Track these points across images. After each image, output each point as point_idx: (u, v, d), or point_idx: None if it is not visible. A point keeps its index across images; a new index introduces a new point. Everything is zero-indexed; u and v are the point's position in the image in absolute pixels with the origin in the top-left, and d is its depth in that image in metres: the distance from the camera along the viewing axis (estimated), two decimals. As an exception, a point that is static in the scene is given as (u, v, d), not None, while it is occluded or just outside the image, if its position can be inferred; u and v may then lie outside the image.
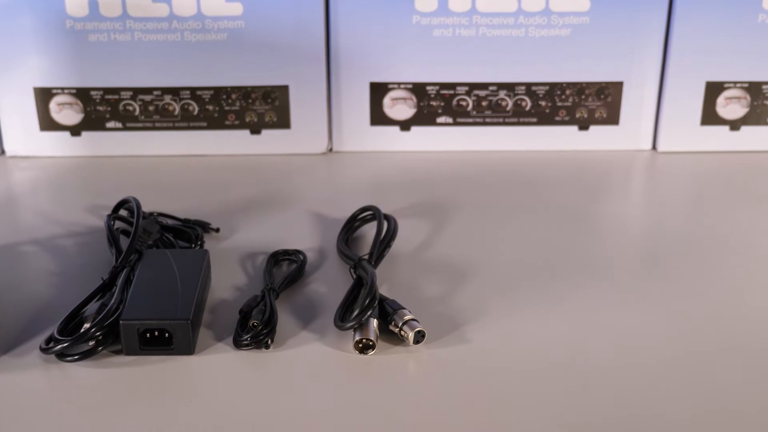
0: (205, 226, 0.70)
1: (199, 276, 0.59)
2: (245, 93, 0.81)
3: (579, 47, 0.80)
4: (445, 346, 0.57)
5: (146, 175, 0.80)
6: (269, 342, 0.56)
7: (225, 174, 0.81)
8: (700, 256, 0.67)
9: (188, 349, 0.55)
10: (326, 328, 0.58)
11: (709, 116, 0.82)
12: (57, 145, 0.83)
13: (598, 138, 0.84)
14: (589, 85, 0.82)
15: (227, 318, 0.59)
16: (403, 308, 0.57)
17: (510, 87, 0.82)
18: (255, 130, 0.83)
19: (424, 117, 0.83)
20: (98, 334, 0.55)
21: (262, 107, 0.82)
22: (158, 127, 0.83)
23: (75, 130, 0.83)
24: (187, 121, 0.82)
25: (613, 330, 0.58)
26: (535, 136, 0.84)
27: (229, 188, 0.78)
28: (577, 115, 0.83)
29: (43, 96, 0.81)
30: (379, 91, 0.82)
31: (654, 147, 0.84)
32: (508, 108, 0.83)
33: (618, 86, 0.82)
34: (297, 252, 0.66)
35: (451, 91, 0.82)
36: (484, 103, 0.82)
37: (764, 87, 0.81)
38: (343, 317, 0.57)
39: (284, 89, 0.81)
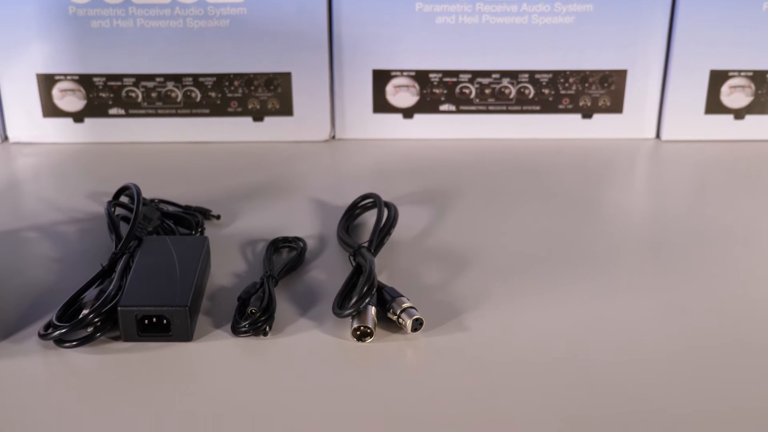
0: (206, 213, 0.70)
1: (198, 263, 0.59)
2: (248, 80, 0.81)
3: (582, 35, 0.80)
4: (443, 334, 0.56)
5: (148, 161, 0.80)
6: (267, 329, 0.56)
7: (227, 161, 0.81)
8: (703, 245, 0.67)
9: (186, 335, 0.55)
10: (325, 316, 0.58)
11: (713, 105, 0.82)
12: (60, 131, 0.83)
13: (602, 126, 0.83)
14: (592, 73, 0.81)
15: (226, 305, 0.59)
16: (402, 296, 0.57)
17: (513, 75, 0.82)
18: (257, 117, 0.83)
19: (427, 105, 0.83)
20: (96, 320, 0.55)
21: (264, 94, 0.82)
22: (161, 114, 0.83)
23: (78, 117, 0.83)
24: (189, 108, 0.82)
25: (615, 320, 0.58)
26: (538, 124, 0.83)
27: (231, 175, 0.78)
28: (581, 104, 0.83)
29: (46, 82, 0.81)
30: (381, 78, 0.82)
31: (658, 136, 0.84)
32: (511, 96, 0.82)
33: (622, 74, 0.81)
34: (297, 239, 0.65)
35: (454, 79, 0.82)
36: (487, 91, 0.82)
37: (769, 76, 0.81)
38: (341, 305, 0.57)
39: (287, 76, 0.81)
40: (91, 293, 0.57)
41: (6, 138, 0.84)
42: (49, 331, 0.55)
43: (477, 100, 0.83)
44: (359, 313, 0.56)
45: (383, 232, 0.65)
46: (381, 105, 0.83)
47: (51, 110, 0.82)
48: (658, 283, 0.62)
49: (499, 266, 0.64)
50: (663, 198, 0.76)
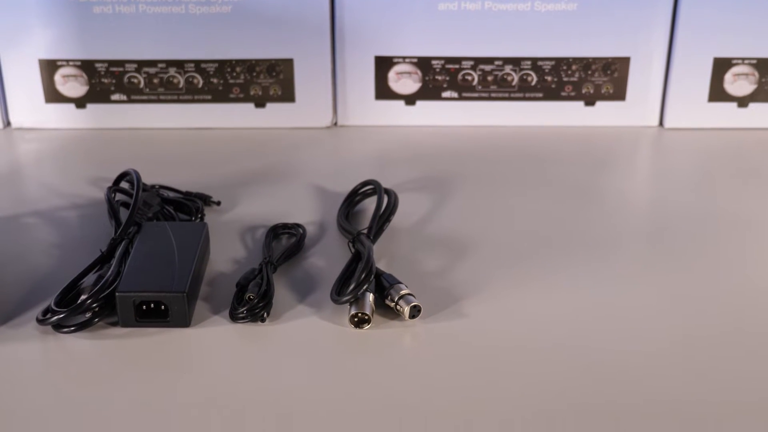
0: (206, 199, 0.70)
1: (196, 249, 0.59)
2: (250, 66, 0.81)
3: (586, 22, 0.80)
4: (441, 320, 0.56)
5: (150, 147, 0.80)
6: (265, 315, 0.56)
7: (229, 147, 0.81)
8: (706, 233, 0.67)
9: (184, 321, 0.55)
10: (323, 302, 0.58)
11: (717, 93, 0.82)
12: (62, 117, 0.83)
13: (605, 114, 0.83)
14: (595, 60, 0.81)
15: (225, 291, 0.59)
16: (400, 282, 0.57)
17: (516, 62, 0.81)
18: (259, 103, 0.83)
19: (429, 91, 0.83)
20: (94, 305, 0.55)
21: (266, 80, 0.82)
22: (163, 100, 0.83)
23: (80, 103, 0.83)
24: (191, 94, 0.82)
25: (615, 308, 0.58)
26: (541, 112, 0.83)
27: (232, 161, 0.78)
28: (584, 91, 0.82)
29: (48, 68, 0.81)
30: (384, 65, 0.82)
31: (661, 123, 0.84)
32: (514, 83, 0.82)
33: (625, 62, 0.81)
34: (297, 226, 0.65)
35: (457, 66, 0.82)
36: (489, 78, 0.82)
37: (773, 63, 0.81)
38: (339, 291, 0.57)
39: (289, 62, 0.81)
40: (90, 279, 0.57)
41: (8, 123, 0.84)
42: (48, 316, 0.55)
43: (479, 87, 0.82)
44: (357, 300, 0.56)
45: (383, 218, 0.65)
46: (383, 92, 0.83)
47: (53, 96, 0.82)
48: (659, 271, 0.62)
49: (499, 253, 0.64)
50: (665, 186, 0.76)
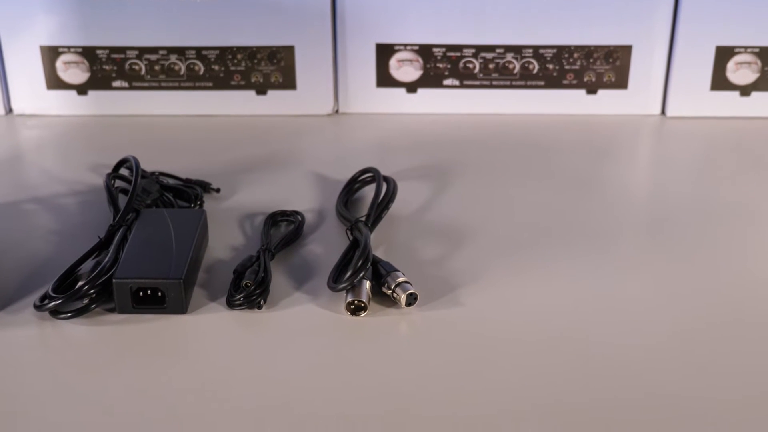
0: (205, 186, 0.70)
1: (194, 236, 0.59)
2: (251, 53, 0.81)
3: (588, 10, 0.79)
4: (438, 308, 0.56)
5: (151, 134, 0.81)
6: (262, 302, 0.56)
7: (230, 134, 0.81)
8: (707, 222, 0.67)
9: (181, 308, 0.56)
10: (320, 290, 0.58)
11: (719, 81, 0.81)
12: (63, 103, 0.83)
13: (607, 102, 0.83)
14: (597, 48, 0.81)
15: (222, 278, 0.59)
16: (397, 270, 0.57)
17: (517, 50, 0.81)
18: (260, 90, 0.83)
19: (431, 79, 0.82)
20: (92, 292, 0.55)
21: (267, 68, 0.82)
22: (164, 87, 0.83)
23: (81, 89, 0.83)
24: (192, 81, 0.82)
25: (615, 299, 0.58)
26: (543, 100, 0.83)
27: (232, 149, 0.78)
28: (585, 79, 0.82)
29: (50, 55, 0.81)
30: (385, 52, 0.82)
31: (663, 112, 0.84)
32: (516, 71, 0.82)
33: (627, 50, 0.81)
34: (295, 213, 0.65)
35: (458, 53, 0.81)
36: (491, 66, 0.82)
37: (776, 52, 0.80)
38: (336, 279, 0.57)
39: (290, 50, 0.81)
40: (88, 265, 0.58)
41: (10, 110, 0.84)
42: (45, 302, 0.55)
43: (481, 75, 0.82)
44: (354, 288, 0.56)
45: (381, 206, 0.65)
46: (384, 79, 0.83)
47: (55, 82, 0.82)
48: (660, 262, 0.62)
49: (498, 242, 0.64)
50: (667, 175, 0.76)
